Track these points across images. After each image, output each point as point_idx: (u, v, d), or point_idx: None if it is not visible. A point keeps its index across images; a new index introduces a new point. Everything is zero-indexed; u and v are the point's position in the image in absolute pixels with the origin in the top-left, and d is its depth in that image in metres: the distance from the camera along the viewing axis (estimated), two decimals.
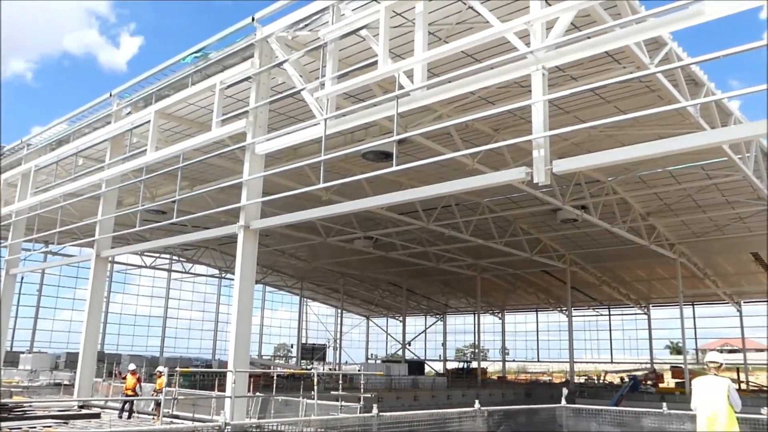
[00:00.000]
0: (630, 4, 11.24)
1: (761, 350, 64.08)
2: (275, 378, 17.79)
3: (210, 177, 23.14)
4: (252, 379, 17.27)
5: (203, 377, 24.91)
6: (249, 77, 13.55)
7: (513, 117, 17.90)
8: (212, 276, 49.47)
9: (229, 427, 7.44)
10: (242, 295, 13.01)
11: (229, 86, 13.98)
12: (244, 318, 12.95)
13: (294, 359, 55.96)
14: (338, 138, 18.15)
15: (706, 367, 9.63)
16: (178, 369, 15.03)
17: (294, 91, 12.86)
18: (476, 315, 50.37)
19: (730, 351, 53.79)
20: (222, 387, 14.18)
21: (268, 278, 49.37)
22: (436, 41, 12.78)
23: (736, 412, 8.73)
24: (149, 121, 15.66)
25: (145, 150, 15.48)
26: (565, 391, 14.46)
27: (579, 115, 17.21)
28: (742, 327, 43.70)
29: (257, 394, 16.19)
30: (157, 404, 15.17)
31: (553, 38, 9.03)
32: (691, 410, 9.73)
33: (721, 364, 9.50)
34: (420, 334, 59.26)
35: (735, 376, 39.95)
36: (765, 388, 42.14)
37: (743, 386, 39.45)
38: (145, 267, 44.95)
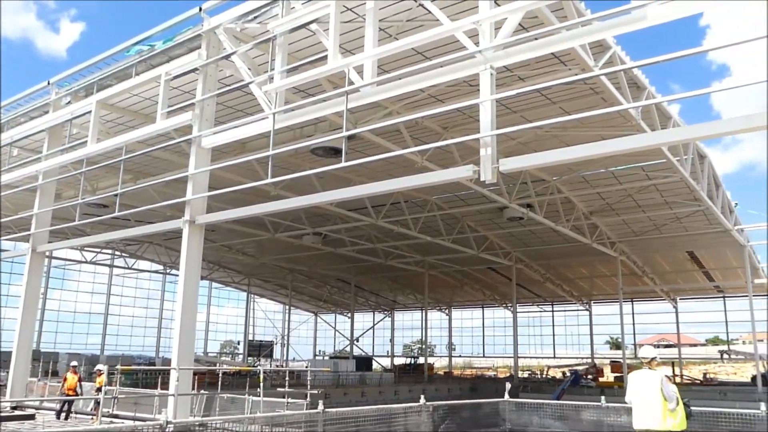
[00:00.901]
0: (576, 7, 11.50)
1: (695, 345, 66.92)
2: (221, 375, 17.51)
3: (154, 170, 22.58)
4: (197, 377, 16.98)
5: (146, 375, 24.30)
6: (196, 69, 13.28)
7: (462, 115, 18.10)
8: (156, 272, 48.27)
9: (171, 425, 7.28)
10: (187, 291, 12.76)
11: (174, 77, 13.66)
12: (188, 315, 12.70)
13: (241, 356, 55.19)
14: (287, 133, 17.97)
15: (641, 361, 9.99)
16: (119, 367, 14.61)
17: (242, 84, 12.66)
18: (424, 311, 50.77)
19: (666, 346, 55.95)
20: (166, 385, 13.86)
21: (214, 274, 48.54)
22: (386, 38, 12.79)
23: (670, 405, 9.05)
24: (90, 112, 15.15)
25: (86, 141, 14.98)
26: (508, 385, 14.77)
27: (526, 115, 17.53)
28: (677, 323, 45.46)
29: (202, 392, 15.91)
30: (97, 404, 14.72)
31: (501, 38, 9.17)
32: (626, 403, 10.09)
33: (654, 358, 9.86)
34: (368, 330, 59.39)
35: (670, 369, 41.57)
36: (698, 381, 43.97)
37: (677, 379, 41.08)
38: (86, 262, 43.49)
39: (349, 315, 54.14)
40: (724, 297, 44.64)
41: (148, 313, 49.83)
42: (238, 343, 56.86)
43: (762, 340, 43.17)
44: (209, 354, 51.53)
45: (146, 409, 14.56)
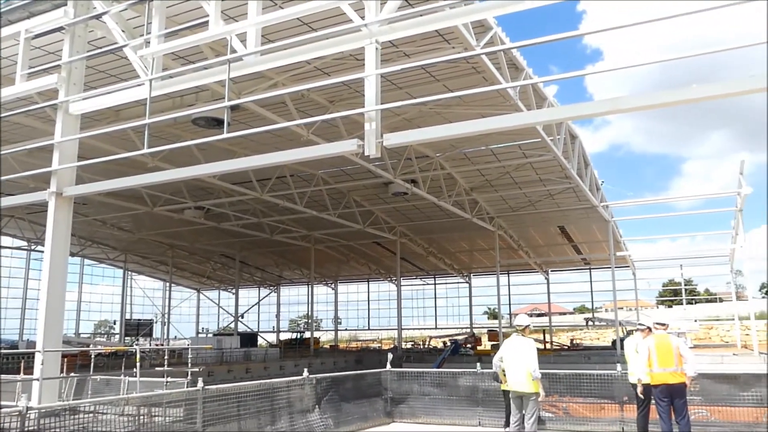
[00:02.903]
0: None
1: (564, 313, 71.94)
2: (94, 357, 16.59)
3: (16, 137, 20.74)
4: (67, 359, 15.96)
5: (7, 360, 22.57)
6: (62, 28, 12.24)
7: (348, 90, 18.05)
8: (19, 248, 44.71)
9: (33, 411, 6.80)
10: (54, 269, 11.89)
11: (37, 36, 12.52)
12: (55, 294, 11.86)
13: (117, 336, 52.60)
14: (166, 101, 17.12)
15: (516, 329, 10.61)
16: None
17: (115, 47, 11.81)
18: (310, 286, 50.78)
19: (538, 315, 59.61)
20: (30, 370, 12.92)
21: (87, 250, 45.70)
22: (271, 6, 12.42)
23: (534, 373, 9.77)
24: None
25: None
26: (390, 356, 15.15)
27: (410, 92, 17.78)
28: (548, 293, 48.57)
29: (72, 374, 15.01)
30: None
31: (386, 13, 9.17)
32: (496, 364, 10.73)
33: (528, 326, 10.52)
34: (253, 306, 58.53)
35: (541, 336, 44.47)
36: (565, 347, 47.39)
37: (548, 346, 44.03)
38: None
39: (234, 291, 53.08)
40: (590, 269, 48.16)
41: (9, 293, 46.12)
42: (114, 323, 54.10)
43: (622, 308, 47.17)
44: (82, 335, 48.66)
45: (9, 396, 13.53)
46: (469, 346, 41.56)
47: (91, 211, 33.68)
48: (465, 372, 13.85)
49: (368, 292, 58.17)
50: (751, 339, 29.03)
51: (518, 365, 9.94)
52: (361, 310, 59.17)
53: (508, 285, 50.59)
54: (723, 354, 28.21)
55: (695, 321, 45.58)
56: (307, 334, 52.40)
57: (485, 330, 50.90)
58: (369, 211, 34.17)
